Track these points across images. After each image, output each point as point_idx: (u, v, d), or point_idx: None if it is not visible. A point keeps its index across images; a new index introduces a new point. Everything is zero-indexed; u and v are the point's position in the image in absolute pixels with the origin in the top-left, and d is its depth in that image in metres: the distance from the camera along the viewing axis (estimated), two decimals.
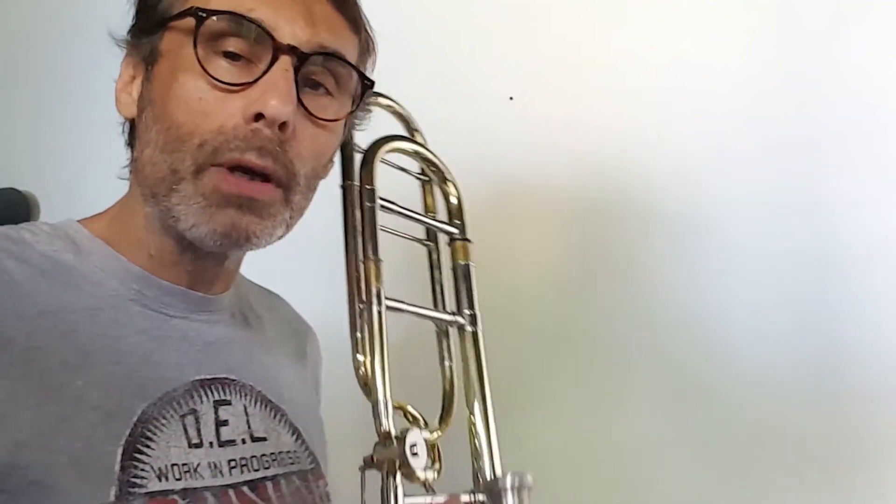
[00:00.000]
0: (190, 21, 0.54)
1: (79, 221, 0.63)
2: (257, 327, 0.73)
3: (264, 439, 0.64)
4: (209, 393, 0.61)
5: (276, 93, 0.54)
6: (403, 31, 1.33)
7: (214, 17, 0.54)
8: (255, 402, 0.65)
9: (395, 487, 0.53)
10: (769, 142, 1.07)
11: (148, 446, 0.53)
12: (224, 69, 0.55)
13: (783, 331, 1.01)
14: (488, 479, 0.60)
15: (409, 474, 0.52)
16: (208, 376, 0.62)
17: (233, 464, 0.59)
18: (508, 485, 0.56)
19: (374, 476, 0.55)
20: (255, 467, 0.61)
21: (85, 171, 1.28)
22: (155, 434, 0.54)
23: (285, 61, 0.55)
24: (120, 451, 0.52)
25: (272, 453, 0.64)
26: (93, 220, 0.64)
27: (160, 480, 0.53)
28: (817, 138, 1.05)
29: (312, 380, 0.81)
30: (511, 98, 1.22)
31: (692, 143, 1.11)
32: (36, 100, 1.54)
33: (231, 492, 0.58)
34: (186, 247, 0.59)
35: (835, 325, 1.00)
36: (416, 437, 0.53)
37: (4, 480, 0.48)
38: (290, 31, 0.56)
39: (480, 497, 0.59)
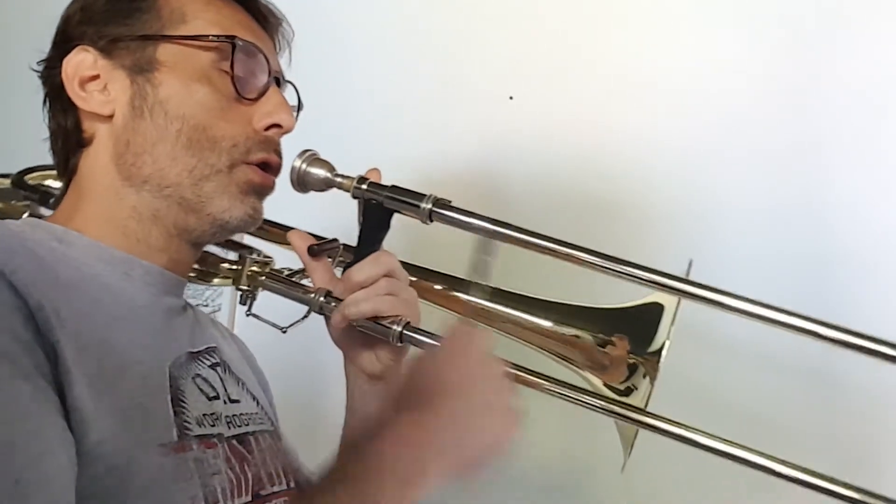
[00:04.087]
0: (203, 40, 0.66)
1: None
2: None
3: (238, 401, 0.72)
4: (203, 360, 0.69)
5: (285, 108, 0.69)
6: (404, 32, 1.33)
7: (241, 44, 0.66)
8: (224, 370, 0.73)
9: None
10: (769, 142, 1.07)
11: (183, 399, 0.61)
12: (232, 85, 0.67)
13: (782, 331, 1.01)
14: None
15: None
16: (200, 347, 0.70)
17: (227, 419, 0.68)
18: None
19: None
20: (238, 424, 0.70)
21: None
22: (184, 390, 0.62)
23: (274, 83, 0.70)
24: (169, 398, 0.60)
25: (246, 413, 0.72)
26: (49, 219, 0.68)
27: (200, 426, 0.61)
28: (817, 139, 1.05)
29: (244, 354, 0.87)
30: (511, 98, 1.22)
31: (692, 143, 1.11)
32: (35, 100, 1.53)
33: (234, 442, 0.67)
34: (176, 235, 0.67)
35: None
36: None
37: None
38: (273, 61, 0.71)
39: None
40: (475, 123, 1.24)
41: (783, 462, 0.63)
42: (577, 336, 0.74)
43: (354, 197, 0.68)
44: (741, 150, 1.08)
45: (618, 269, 0.63)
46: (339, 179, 0.69)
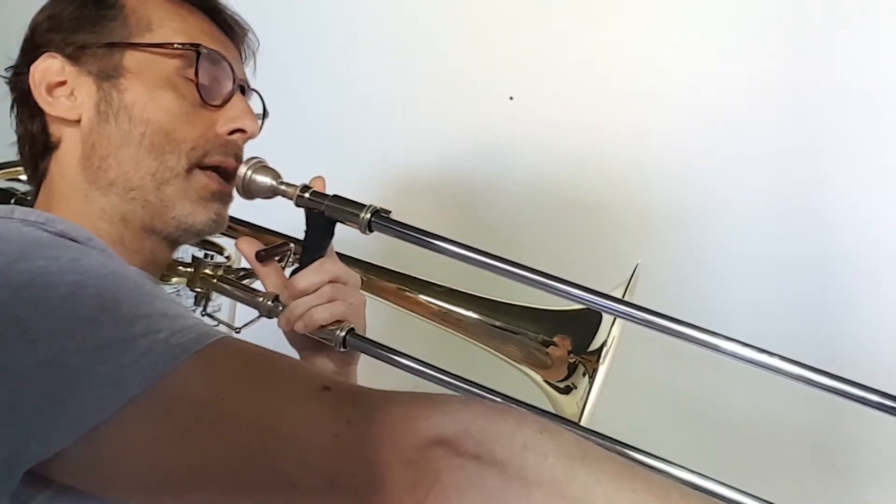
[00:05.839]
0: (168, 48, 0.68)
1: None
2: None
3: None
4: None
5: (249, 114, 0.71)
6: (404, 32, 1.33)
7: (205, 52, 0.68)
8: None
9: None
10: (769, 143, 1.07)
11: None
12: (197, 92, 0.69)
13: (783, 331, 1.01)
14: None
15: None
16: None
17: None
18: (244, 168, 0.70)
19: None
20: None
21: None
22: None
23: (239, 90, 0.72)
24: None
25: None
26: None
27: None
28: (817, 139, 1.05)
29: None
30: (511, 98, 1.23)
31: (691, 144, 1.11)
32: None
33: None
34: (147, 236, 0.68)
35: (835, 325, 1.00)
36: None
37: None
38: (238, 69, 0.73)
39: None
40: (475, 123, 1.24)
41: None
42: (521, 334, 0.76)
43: (298, 205, 0.69)
44: (741, 150, 1.08)
45: (554, 286, 0.61)
46: (283, 187, 0.69)
